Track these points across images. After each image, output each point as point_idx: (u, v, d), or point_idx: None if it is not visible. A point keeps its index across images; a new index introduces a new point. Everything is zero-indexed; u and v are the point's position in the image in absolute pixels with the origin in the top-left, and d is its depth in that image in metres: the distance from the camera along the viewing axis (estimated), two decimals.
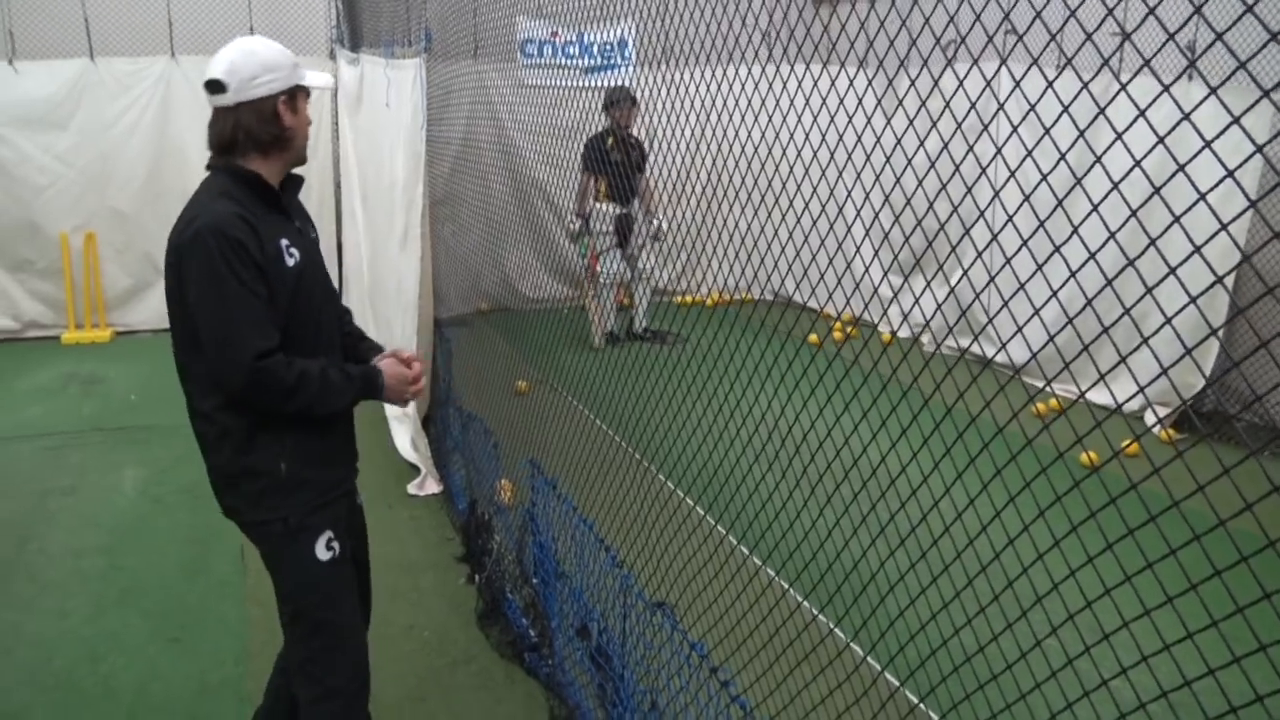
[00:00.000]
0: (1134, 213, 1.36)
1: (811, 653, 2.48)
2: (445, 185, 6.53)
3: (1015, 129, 1.61)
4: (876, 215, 2.21)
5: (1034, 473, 1.79)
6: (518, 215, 8.94)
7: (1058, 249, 1.54)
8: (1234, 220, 1.28)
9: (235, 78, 2.70)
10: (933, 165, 1.80)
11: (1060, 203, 1.52)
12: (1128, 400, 1.52)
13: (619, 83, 8.83)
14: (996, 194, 1.56)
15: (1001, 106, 1.78)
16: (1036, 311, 1.58)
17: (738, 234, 3.15)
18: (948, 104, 1.84)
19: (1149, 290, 1.32)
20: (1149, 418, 6.84)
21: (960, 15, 1.89)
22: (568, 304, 9.38)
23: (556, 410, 4.04)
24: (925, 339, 8.29)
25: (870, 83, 2.08)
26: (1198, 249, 1.23)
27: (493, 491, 4.63)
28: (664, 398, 3.19)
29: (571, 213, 8.93)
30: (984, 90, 1.91)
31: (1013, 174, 1.65)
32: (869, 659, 2.74)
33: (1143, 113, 1.31)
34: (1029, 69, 1.69)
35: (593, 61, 10.20)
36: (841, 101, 2.21)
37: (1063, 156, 1.52)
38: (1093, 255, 1.45)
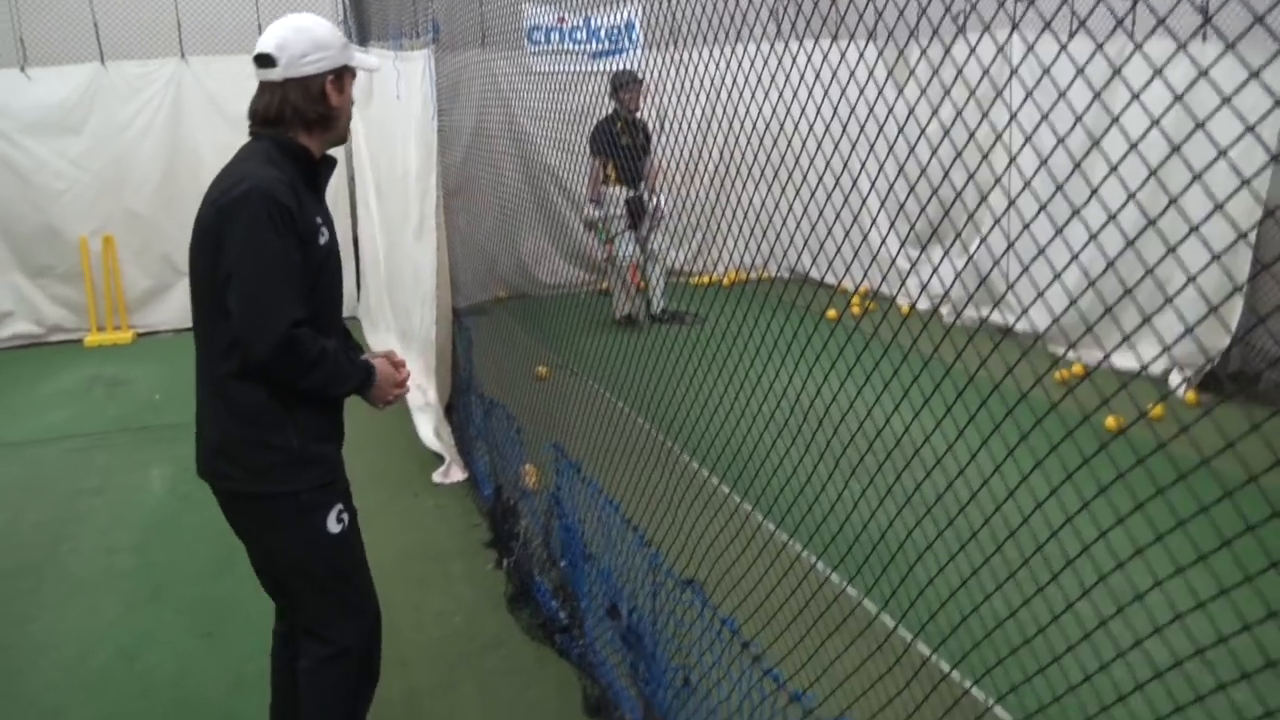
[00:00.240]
0: (1153, 172, 1.36)
1: (842, 624, 2.49)
2: (458, 175, 6.54)
3: (1029, 94, 1.61)
4: (891, 187, 2.21)
5: (1058, 439, 1.79)
6: (531, 202, 8.95)
7: (1076, 212, 1.54)
8: (1256, 175, 1.27)
9: (285, 54, 2.71)
10: (946, 133, 1.80)
11: (1077, 165, 1.52)
12: (1151, 362, 1.53)
13: (627, 66, 8.81)
14: (1012, 160, 1.56)
15: (1014, 72, 1.78)
16: (1056, 276, 1.58)
17: (752, 212, 3.15)
18: (959, 72, 1.84)
19: (1172, 249, 1.32)
20: (1173, 380, 6.80)
21: None
22: (584, 288, 9.39)
23: (578, 394, 4.06)
24: (944, 309, 8.27)
25: (880, 54, 2.08)
26: (1219, 206, 1.23)
27: (517, 476, 4.65)
28: (684, 378, 3.20)
29: (586, 200, 8.90)
30: (996, 56, 1.91)
31: (1028, 139, 1.65)
32: (900, 629, 2.75)
33: (1158, 72, 1.31)
34: (1041, 32, 1.69)
35: (600, 46, 10.17)
36: (852, 74, 2.21)
37: (1079, 119, 1.51)
38: (1112, 216, 1.45)
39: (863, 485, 2.32)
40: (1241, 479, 1.43)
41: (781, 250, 9.33)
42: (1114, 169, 1.36)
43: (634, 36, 10.11)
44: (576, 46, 10.08)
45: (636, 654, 3.32)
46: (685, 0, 2.85)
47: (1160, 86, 1.42)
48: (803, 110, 2.39)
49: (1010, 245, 1.73)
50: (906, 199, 2.21)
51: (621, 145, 8.29)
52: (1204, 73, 1.21)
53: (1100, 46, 1.53)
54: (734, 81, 2.75)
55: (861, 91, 2.15)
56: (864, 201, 2.30)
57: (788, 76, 2.41)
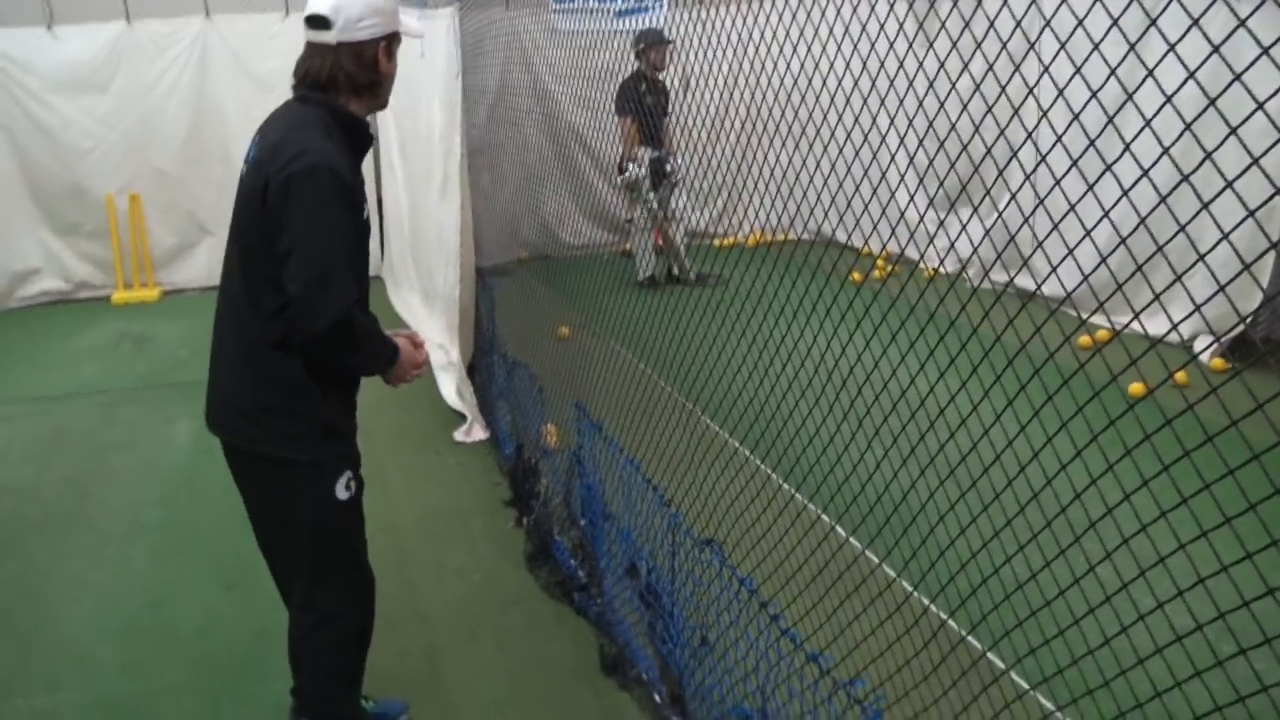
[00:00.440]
0: (1188, 126, 1.33)
1: (860, 586, 2.49)
2: (481, 134, 6.51)
3: (1061, 47, 1.57)
4: (920, 144, 2.18)
5: (1082, 403, 1.76)
6: (555, 162, 8.90)
7: (1109, 167, 1.51)
8: None
9: (341, 16, 2.67)
10: (978, 87, 1.77)
11: (1111, 119, 1.49)
12: (1174, 326, 1.49)
13: (652, 24, 8.72)
14: (1045, 114, 1.53)
15: (1048, 23, 1.74)
16: (1088, 233, 1.55)
17: (777, 172, 3.11)
18: (992, 24, 1.80)
19: (1205, 205, 1.29)
20: (1199, 346, 6.73)
21: None
22: (608, 249, 9.35)
23: (600, 354, 4.05)
24: (969, 272, 8.20)
25: (911, 6, 2.04)
26: (1255, 160, 1.20)
27: (538, 436, 4.66)
28: (706, 339, 3.18)
29: (626, 161, 8.70)
30: (1025, 12, 1.87)
31: (1060, 92, 1.61)
32: (916, 592, 2.74)
33: (1196, 21, 1.27)
34: None
35: (625, 4, 10.08)
36: (882, 28, 2.17)
37: (1113, 72, 1.48)
38: (1145, 172, 1.42)
39: (884, 449, 2.30)
40: (1266, 444, 1.41)
41: (806, 212, 9.26)
42: (1148, 123, 1.33)
43: None
44: (601, 5, 9.98)
45: (654, 613, 3.33)
46: None
47: (1193, 41, 1.38)
48: (831, 65, 2.36)
49: (1040, 202, 1.70)
50: (935, 158, 2.17)
51: (646, 105, 8.22)
52: (1242, 23, 1.18)
53: None
54: (760, 38, 2.72)
55: (892, 45, 2.12)
56: (892, 159, 2.26)
57: (816, 31, 2.37)
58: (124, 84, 9.11)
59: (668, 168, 8.61)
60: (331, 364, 2.74)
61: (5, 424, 6.32)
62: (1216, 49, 1.28)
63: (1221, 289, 1.29)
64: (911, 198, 2.43)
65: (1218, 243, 1.30)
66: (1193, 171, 1.34)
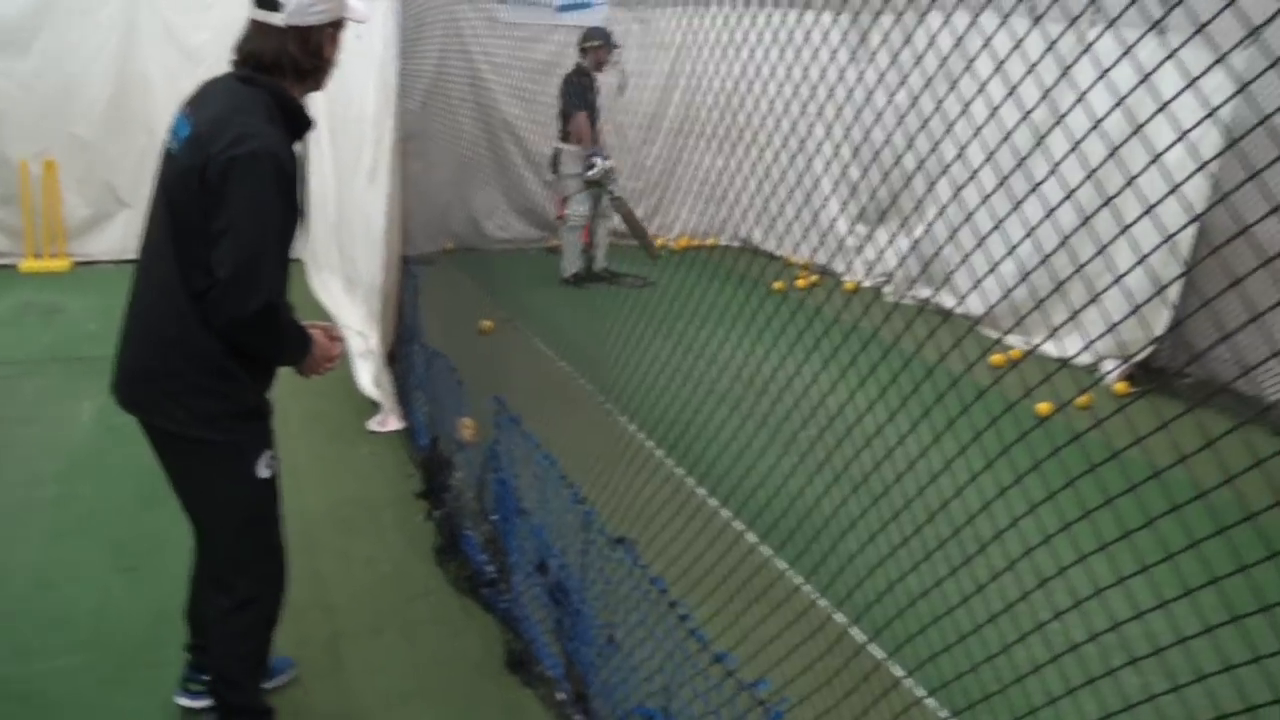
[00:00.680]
0: (1112, 153, 1.37)
1: (767, 590, 2.51)
2: (415, 121, 6.45)
3: (998, 67, 1.61)
4: (853, 159, 2.22)
5: (992, 420, 1.81)
6: (486, 153, 8.85)
7: (1032, 190, 1.55)
8: (1207, 164, 1.29)
9: (294, 2, 2.63)
10: (913, 105, 1.80)
11: (1040, 141, 1.53)
12: (1077, 354, 1.54)
13: (593, 22, 8.72)
14: (976, 133, 1.56)
15: (977, 54, 1.78)
16: (1010, 251, 1.59)
17: (709, 176, 3.13)
18: (931, 43, 1.84)
19: (1124, 230, 1.33)
20: (1105, 368, 6.94)
21: None
22: (535, 245, 9.33)
23: (521, 349, 4.04)
24: (888, 289, 8.35)
25: (854, 21, 2.07)
26: (1174, 189, 1.24)
27: (455, 428, 4.63)
28: (626, 340, 3.19)
29: (584, 156, 8.57)
30: (966, 31, 1.91)
31: (994, 111, 1.65)
32: (822, 599, 2.79)
33: (1127, 51, 1.31)
34: (1005, 19, 1.69)
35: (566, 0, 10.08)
36: (825, 39, 2.20)
37: (1045, 95, 1.52)
38: (1069, 195, 1.46)
39: (797, 458, 2.33)
40: (1161, 467, 1.46)
41: (734, 218, 9.34)
42: (1077, 144, 1.37)
43: None
44: None
45: (562, 610, 3.33)
46: None
47: (1123, 68, 1.43)
48: (771, 75, 2.39)
49: (965, 221, 1.74)
50: (865, 174, 2.21)
51: (590, 101, 8.21)
52: (1171, 54, 1.22)
53: (1064, 31, 1.54)
54: (698, 44, 2.73)
55: (828, 63, 2.15)
56: (825, 172, 2.30)
57: (759, 39, 2.40)
58: (46, 45, 8.82)
59: (593, 171, 8.60)
60: (246, 349, 2.70)
61: None
62: (1145, 79, 1.32)
63: (1134, 311, 1.33)
64: (841, 210, 2.47)
65: (1132, 267, 1.34)
66: (1113, 196, 1.38)
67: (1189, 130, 1.16)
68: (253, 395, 2.80)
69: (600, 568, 3.04)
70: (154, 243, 2.73)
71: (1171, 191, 1.21)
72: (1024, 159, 1.47)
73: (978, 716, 2.09)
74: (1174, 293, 6.50)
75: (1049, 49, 1.41)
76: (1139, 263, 1.30)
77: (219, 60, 2.81)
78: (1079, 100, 1.32)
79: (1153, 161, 1.24)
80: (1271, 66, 1.06)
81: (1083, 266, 1.43)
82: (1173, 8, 1.07)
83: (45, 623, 3.75)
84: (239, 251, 2.52)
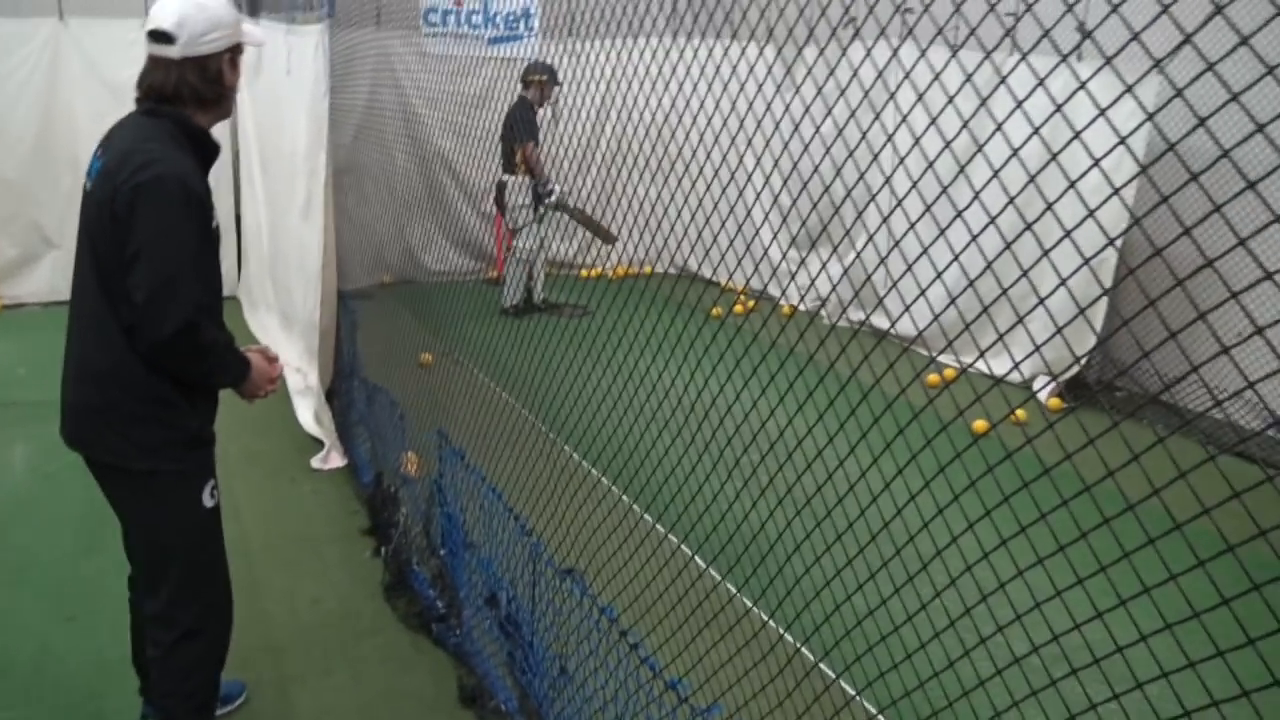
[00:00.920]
0: (1032, 179, 1.42)
1: (717, 615, 2.53)
2: (348, 155, 6.43)
3: (919, 99, 1.66)
4: (780, 190, 2.26)
5: (933, 440, 1.85)
6: (421, 186, 8.83)
7: (960, 214, 1.60)
8: (1124, 186, 1.34)
9: (185, 32, 2.68)
10: (840, 134, 1.85)
11: (963, 169, 1.58)
12: (1010, 371, 1.59)
13: (523, 53, 8.77)
14: (901, 161, 1.61)
15: (903, 81, 1.83)
16: (938, 275, 1.64)
17: (644, 206, 3.17)
18: (855, 74, 1.89)
19: (1046, 253, 1.38)
20: (1037, 385, 7.08)
21: None
22: (472, 277, 9.31)
23: (462, 382, 4.04)
24: (825, 311, 8.45)
25: (780, 52, 2.12)
26: (1091, 213, 1.29)
27: (399, 463, 4.60)
28: (568, 370, 3.21)
29: (539, 184, 8.58)
30: (888, 64, 1.96)
31: (917, 142, 1.70)
32: (771, 621, 2.81)
33: (1041, 82, 1.37)
34: (930, 43, 1.74)
35: (496, 32, 10.12)
36: (751, 71, 2.25)
37: (965, 125, 1.57)
38: (992, 219, 1.51)
39: (741, 482, 2.36)
40: (1093, 480, 1.50)
41: (671, 246, 9.41)
42: (996, 173, 1.42)
43: (531, 25, 10.08)
44: (473, 31, 10.01)
45: (514, 643, 3.32)
46: None
47: (1037, 99, 1.48)
48: (701, 105, 2.43)
49: (891, 249, 1.78)
50: (795, 202, 2.25)
51: (534, 133, 8.24)
52: (1082, 85, 1.27)
53: (988, 54, 1.59)
54: (628, 77, 2.77)
55: (758, 92, 2.19)
56: (755, 200, 2.34)
57: (688, 71, 2.44)
58: None
59: (554, 197, 8.62)
60: (176, 373, 2.73)
61: None
62: (1059, 108, 1.37)
63: (1059, 331, 1.38)
64: (771, 241, 2.51)
65: (1056, 287, 1.39)
66: (1035, 220, 1.43)
67: (1098, 160, 1.21)
68: (194, 422, 2.82)
69: (550, 599, 3.05)
70: (82, 280, 2.78)
71: (1087, 217, 1.26)
72: (944, 190, 1.52)
73: None
74: (1099, 311, 6.67)
75: (965, 82, 1.46)
76: (1057, 288, 1.35)
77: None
78: (995, 132, 1.37)
79: (1070, 187, 1.29)
80: (1177, 95, 1.11)
81: (1005, 291, 1.48)
82: (1080, 44, 1.12)
83: None
84: (152, 275, 2.56)
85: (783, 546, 2.34)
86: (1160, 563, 1.41)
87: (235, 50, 2.81)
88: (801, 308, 8.30)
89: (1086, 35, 1.17)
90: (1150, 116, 1.21)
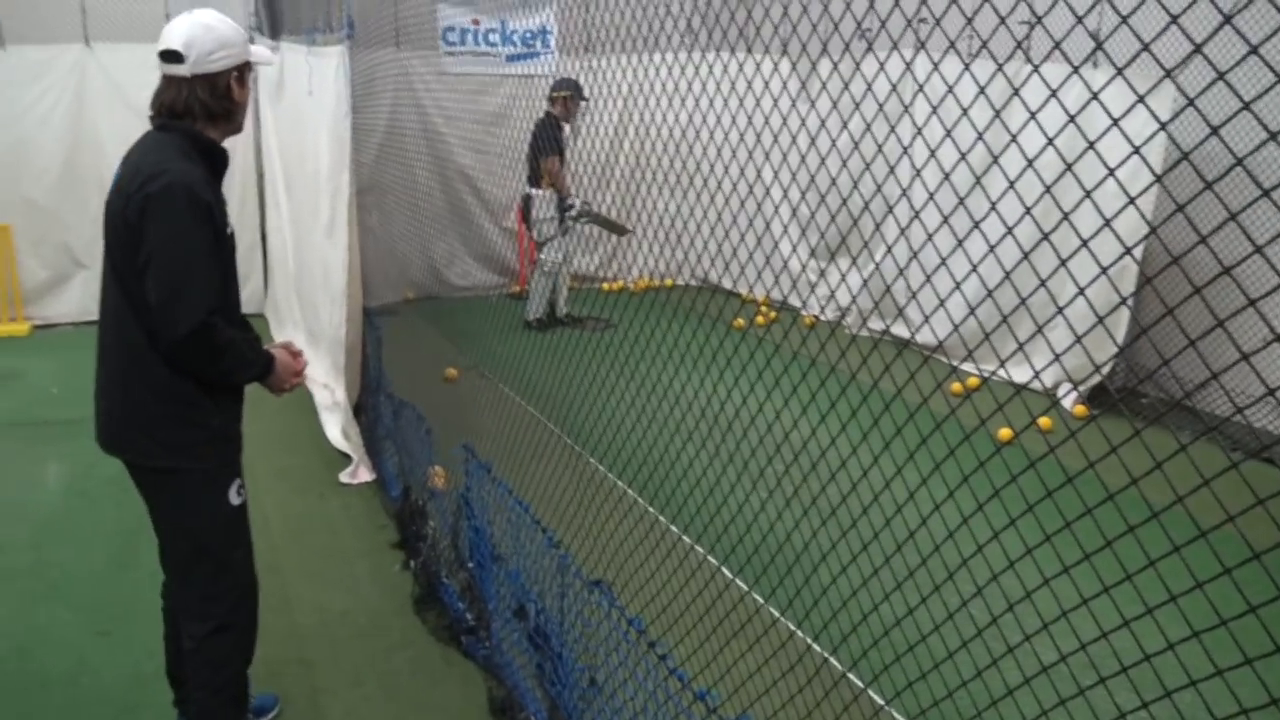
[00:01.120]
0: (1048, 189, 1.43)
1: (745, 625, 2.54)
2: (370, 173, 6.49)
3: (934, 110, 1.67)
4: (799, 199, 2.27)
5: (958, 449, 1.86)
6: (443, 202, 8.90)
7: (976, 225, 1.61)
8: (1141, 194, 1.35)
9: (193, 51, 2.83)
10: (856, 146, 1.86)
11: (978, 180, 1.59)
12: (1036, 375, 1.59)
13: (543, 70, 8.83)
14: (918, 172, 1.62)
15: (917, 93, 1.85)
16: (957, 285, 1.65)
17: (665, 219, 3.19)
18: (869, 87, 1.90)
19: (1063, 262, 1.39)
20: (1060, 393, 7.04)
21: (877, 3, 1.95)
22: (495, 291, 9.36)
23: (487, 396, 4.07)
24: (847, 321, 8.45)
25: (794, 67, 2.13)
26: (1108, 222, 1.30)
27: (426, 477, 4.63)
28: (593, 382, 3.23)
29: (564, 199, 8.62)
30: (901, 76, 1.98)
31: (933, 153, 1.71)
32: (799, 630, 2.82)
33: (1054, 93, 1.38)
34: (945, 53, 1.76)
35: (514, 50, 10.18)
36: (767, 85, 2.26)
37: (980, 136, 1.58)
38: (1009, 230, 1.53)
39: (766, 491, 2.37)
40: (1118, 487, 1.51)
41: (693, 258, 9.44)
42: (1012, 184, 1.43)
43: (549, 42, 10.13)
44: (491, 49, 10.07)
45: (543, 655, 3.34)
46: (601, 8, 2.89)
47: (1053, 109, 1.49)
48: (719, 120, 2.45)
49: (914, 256, 1.79)
50: (816, 211, 2.27)
51: (559, 148, 8.29)
52: (1095, 95, 1.28)
53: (1000, 66, 1.60)
54: (646, 92, 2.80)
55: (776, 103, 2.21)
56: (776, 211, 2.35)
57: (704, 86, 2.46)
58: None
59: (575, 209, 8.65)
60: (196, 372, 2.82)
61: None
62: (1072, 119, 1.38)
63: (1078, 340, 1.39)
64: (795, 248, 2.52)
65: (1074, 297, 1.40)
66: (1052, 230, 1.44)
67: (1113, 170, 1.22)
68: (217, 420, 2.92)
69: (579, 611, 3.06)
70: (107, 290, 2.90)
71: (1104, 226, 1.27)
72: (961, 201, 1.53)
73: None
74: (1121, 319, 6.63)
75: (980, 93, 1.48)
76: (1076, 296, 1.36)
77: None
78: (1010, 143, 1.38)
79: (1085, 197, 1.30)
80: (1189, 105, 1.12)
81: (1024, 301, 1.49)
82: (1092, 53, 1.13)
83: (22, 690, 3.73)
84: (163, 278, 2.68)
85: (809, 556, 2.36)
86: (1186, 570, 1.41)
87: (243, 68, 2.95)
88: (823, 318, 8.30)
89: (1099, 45, 1.19)
90: (1163, 126, 1.22)
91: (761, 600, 3.05)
